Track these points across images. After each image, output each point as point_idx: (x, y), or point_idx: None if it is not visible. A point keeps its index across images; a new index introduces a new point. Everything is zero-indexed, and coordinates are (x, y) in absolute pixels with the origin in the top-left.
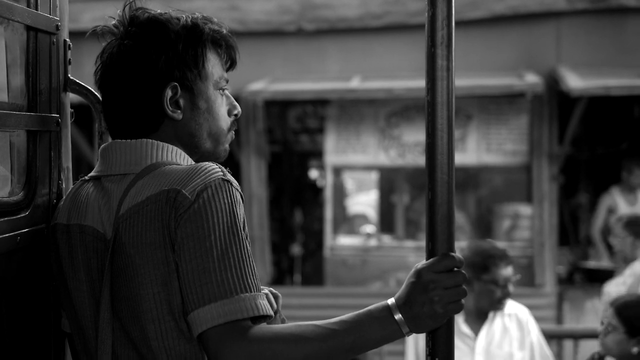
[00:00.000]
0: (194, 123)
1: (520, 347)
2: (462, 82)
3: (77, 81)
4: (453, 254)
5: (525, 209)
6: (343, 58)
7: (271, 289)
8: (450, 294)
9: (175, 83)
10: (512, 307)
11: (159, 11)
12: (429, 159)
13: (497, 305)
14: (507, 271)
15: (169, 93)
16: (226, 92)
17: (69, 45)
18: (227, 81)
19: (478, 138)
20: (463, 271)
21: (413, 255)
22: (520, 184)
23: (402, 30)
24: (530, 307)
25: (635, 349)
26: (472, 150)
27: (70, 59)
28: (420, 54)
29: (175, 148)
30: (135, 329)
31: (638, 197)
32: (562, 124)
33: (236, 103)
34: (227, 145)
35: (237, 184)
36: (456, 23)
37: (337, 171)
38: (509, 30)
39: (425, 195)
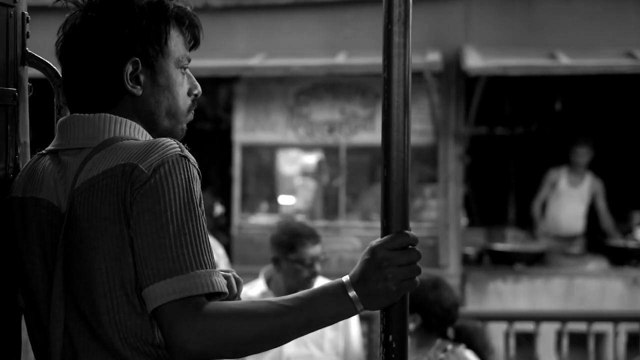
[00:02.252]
0: (153, 100)
1: (333, 326)
2: (369, 60)
3: (36, 55)
4: (407, 231)
5: (432, 189)
6: (250, 35)
7: (234, 272)
8: (404, 271)
9: (137, 58)
10: None
11: None
12: (385, 137)
13: (304, 284)
14: (315, 250)
15: (129, 68)
16: (187, 71)
17: (27, 18)
18: (189, 60)
19: None
20: (417, 249)
21: (323, 235)
22: (428, 164)
23: (310, 7)
24: None
25: (411, 325)
26: (380, 130)
27: (28, 32)
28: (327, 31)
29: (133, 123)
30: (87, 303)
31: (583, 182)
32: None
33: (197, 83)
34: (184, 125)
35: (195, 160)
36: (368, 0)
37: (246, 149)
38: (418, 9)
39: (381, 172)
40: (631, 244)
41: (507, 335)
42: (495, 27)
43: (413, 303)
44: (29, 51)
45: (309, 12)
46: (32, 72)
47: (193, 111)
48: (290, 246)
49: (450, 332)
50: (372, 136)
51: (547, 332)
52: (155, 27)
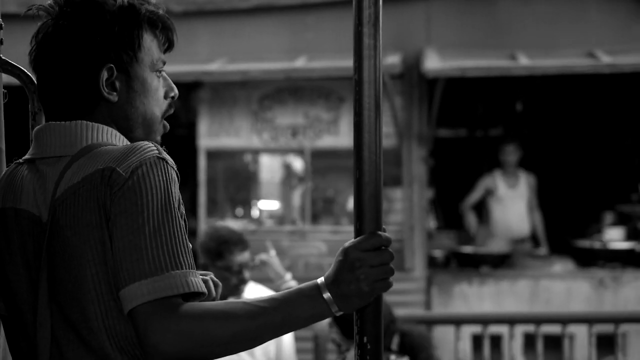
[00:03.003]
0: (129, 106)
1: None
2: (328, 63)
3: (10, 61)
4: (380, 232)
5: (398, 192)
6: (212, 40)
7: (212, 276)
8: (376, 272)
9: (111, 65)
10: (256, 291)
11: None
12: (356, 138)
13: (233, 291)
14: (243, 257)
15: (105, 74)
16: (163, 74)
17: (1, 25)
18: (164, 63)
19: (350, 120)
20: (390, 250)
21: (287, 239)
22: (393, 167)
23: (271, 11)
24: (400, 292)
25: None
26: (344, 134)
27: (2, 39)
28: (289, 35)
29: (110, 129)
30: (75, 311)
31: (519, 181)
32: (441, 106)
33: (173, 85)
34: (159, 137)
35: (173, 162)
36: (330, 4)
37: (212, 155)
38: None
39: (353, 173)
40: (597, 244)
41: (479, 338)
42: (457, 28)
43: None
44: (3, 58)
45: (270, 16)
46: (6, 79)
47: (171, 112)
48: (217, 253)
49: (396, 341)
50: (336, 140)
51: (515, 335)
52: (128, 32)
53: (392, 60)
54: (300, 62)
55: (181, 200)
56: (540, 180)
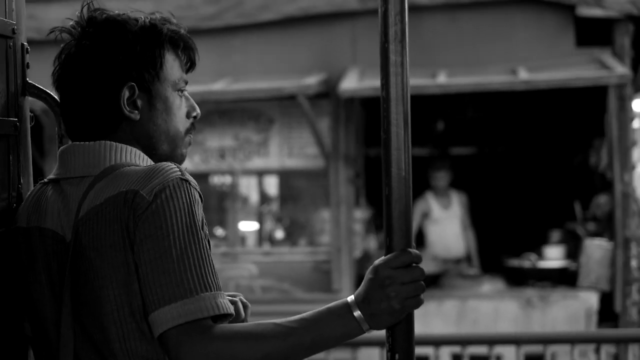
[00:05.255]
0: (151, 124)
1: None
2: (259, 84)
3: (36, 85)
4: (410, 249)
5: (327, 213)
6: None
7: (241, 297)
8: (407, 289)
9: (133, 83)
10: None
11: (117, 12)
12: (384, 155)
13: None
14: None
15: (126, 93)
16: (185, 93)
17: (27, 49)
18: (186, 82)
19: (280, 142)
20: (421, 266)
21: (218, 261)
22: (322, 188)
23: (198, 34)
24: None
25: None
26: (274, 155)
27: (28, 63)
28: (216, 57)
29: (133, 149)
30: (97, 331)
31: (451, 201)
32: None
33: (195, 105)
34: (184, 150)
35: (196, 183)
36: (251, 26)
37: None
38: (305, 31)
39: (382, 191)
40: (526, 264)
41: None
42: None
43: None
44: (30, 81)
45: (196, 38)
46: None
47: (191, 135)
48: None
49: None
50: (266, 161)
51: (440, 356)
52: (150, 52)
53: (309, 81)
54: (219, 85)
55: (204, 221)
56: (485, 199)
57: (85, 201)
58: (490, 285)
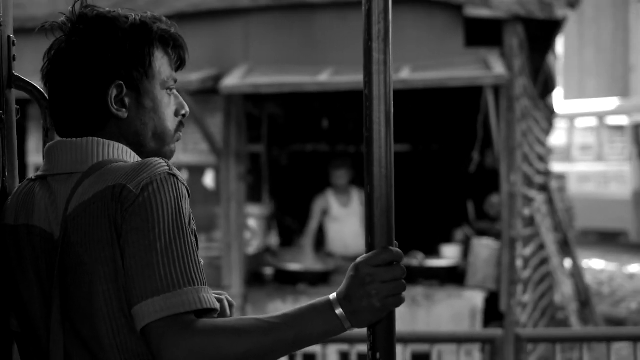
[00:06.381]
0: (139, 122)
1: None
2: None
3: (23, 78)
4: (391, 247)
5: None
6: (36, 58)
7: (227, 295)
8: (388, 287)
9: (121, 82)
10: None
11: (107, 9)
12: (367, 153)
13: None
14: None
15: (113, 91)
16: (174, 91)
17: (14, 41)
18: (175, 81)
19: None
20: (402, 265)
21: None
22: (216, 184)
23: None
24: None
25: None
26: None
27: (14, 55)
28: None
29: (121, 146)
30: (87, 327)
31: (352, 199)
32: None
33: (184, 103)
34: (172, 146)
35: (184, 178)
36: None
37: None
38: (197, 28)
39: (364, 189)
40: (414, 262)
41: (293, 357)
42: (274, 44)
43: None
44: (16, 74)
45: None
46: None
47: (182, 130)
48: None
49: None
50: None
51: (327, 354)
52: (139, 50)
53: (192, 77)
54: None
55: (192, 216)
56: (400, 197)
57: (73, 198)
58: None
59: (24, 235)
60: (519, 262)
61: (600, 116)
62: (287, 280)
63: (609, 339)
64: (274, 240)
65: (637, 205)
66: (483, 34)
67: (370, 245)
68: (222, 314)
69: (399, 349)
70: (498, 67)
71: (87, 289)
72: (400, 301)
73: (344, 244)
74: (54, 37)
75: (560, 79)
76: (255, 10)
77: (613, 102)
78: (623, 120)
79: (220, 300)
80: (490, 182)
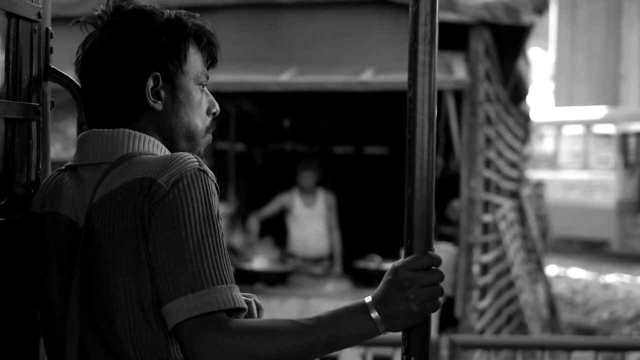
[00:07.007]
0: (173, 116)
1: None
2: None
3: (59, 70)
4: (430, 252)
5: None
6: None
7: (255, 298)
8: (426, 292)
9: (157, 73)
10: None
11: (143, 3)
12: (409, 156)
13: None
14: None
15: (150, 83)
16: (205, 89)
17: (51, 33)
18: (207, 77)
19: None
20: (440, 269)
21: None
22: None
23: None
24: None
25: None
26: None
27: (52, 48)
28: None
29: (152, 138)
30: (104, 318)
31: (316, 200)
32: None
33: (215, 101)
34: (201, 150)
35: (213, 174)
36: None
37: None
38: None
39: (405, 192)
40: (372, 265)
41: None
42: (240, 42)
43: None
44: (52, 67)
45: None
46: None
47: (213, 129)
48: None
49: None
50: None
51: None
52: (175, 43)
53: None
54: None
55: (220, 213)
56: (362, 199)
57: (100, 187)
58: (334, 286)
59: (49, 223)
60: (475, 268)
61: (588, 124)
62: (245, 280)
63: (543, 347)
64: (237, 239)
65: (620, 214)
66: (450, 38)
67: (408, 249)
68: (250, 316)
69: (355, 351)
70: (460, 72)
71: (106, 279)
72: (437, 305)
73: (305, 244)
74: (88, 32)
75: (550, 85)
76: (222, 8)
77: (601, 111)
78: (610, 129)
79: (248, 303)
80: (453, 187)
